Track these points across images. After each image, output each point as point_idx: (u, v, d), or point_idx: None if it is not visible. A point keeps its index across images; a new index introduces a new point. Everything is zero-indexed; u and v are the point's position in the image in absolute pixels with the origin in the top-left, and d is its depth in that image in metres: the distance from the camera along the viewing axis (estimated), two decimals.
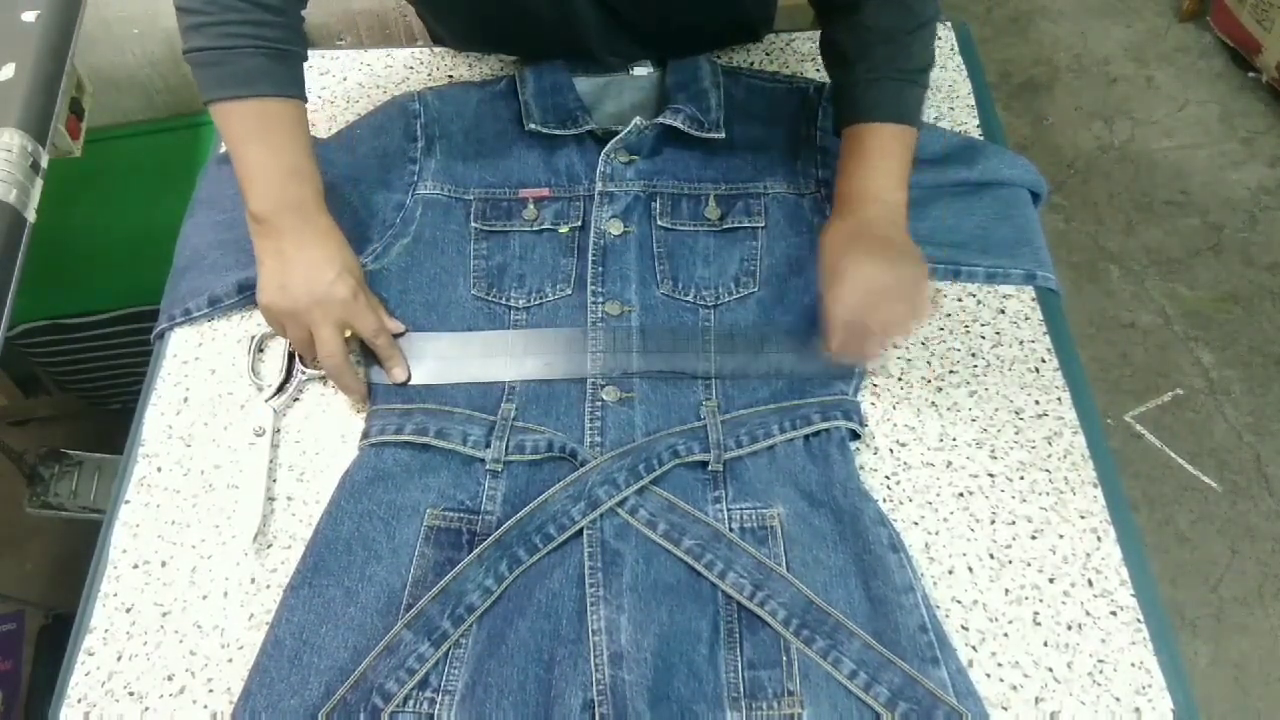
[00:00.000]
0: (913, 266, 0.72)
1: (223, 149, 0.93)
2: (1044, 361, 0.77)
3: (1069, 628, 0.65)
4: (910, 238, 0.74)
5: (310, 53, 1.01)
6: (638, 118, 0.83)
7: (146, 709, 0.63)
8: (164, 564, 0.69)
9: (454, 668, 0.62)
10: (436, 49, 1.01)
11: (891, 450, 0.73)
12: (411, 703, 0.61)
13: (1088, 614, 0.65)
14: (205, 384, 0.78)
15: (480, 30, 0.96)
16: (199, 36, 0.69)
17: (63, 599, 1.40)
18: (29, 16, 0.94)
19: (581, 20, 0.84)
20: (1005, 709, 0.62)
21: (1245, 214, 1.91)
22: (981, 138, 0.91)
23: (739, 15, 0.93)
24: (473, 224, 0.83)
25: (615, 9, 0.84)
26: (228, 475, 0.73)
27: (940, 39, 1.00)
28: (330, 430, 0.75)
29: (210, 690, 0.64)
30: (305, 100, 0.74)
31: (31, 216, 0.84)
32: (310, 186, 0.73)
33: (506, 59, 0.98)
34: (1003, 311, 0.80)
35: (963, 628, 0.65)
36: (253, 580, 0.68)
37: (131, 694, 0.64)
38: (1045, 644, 0.64)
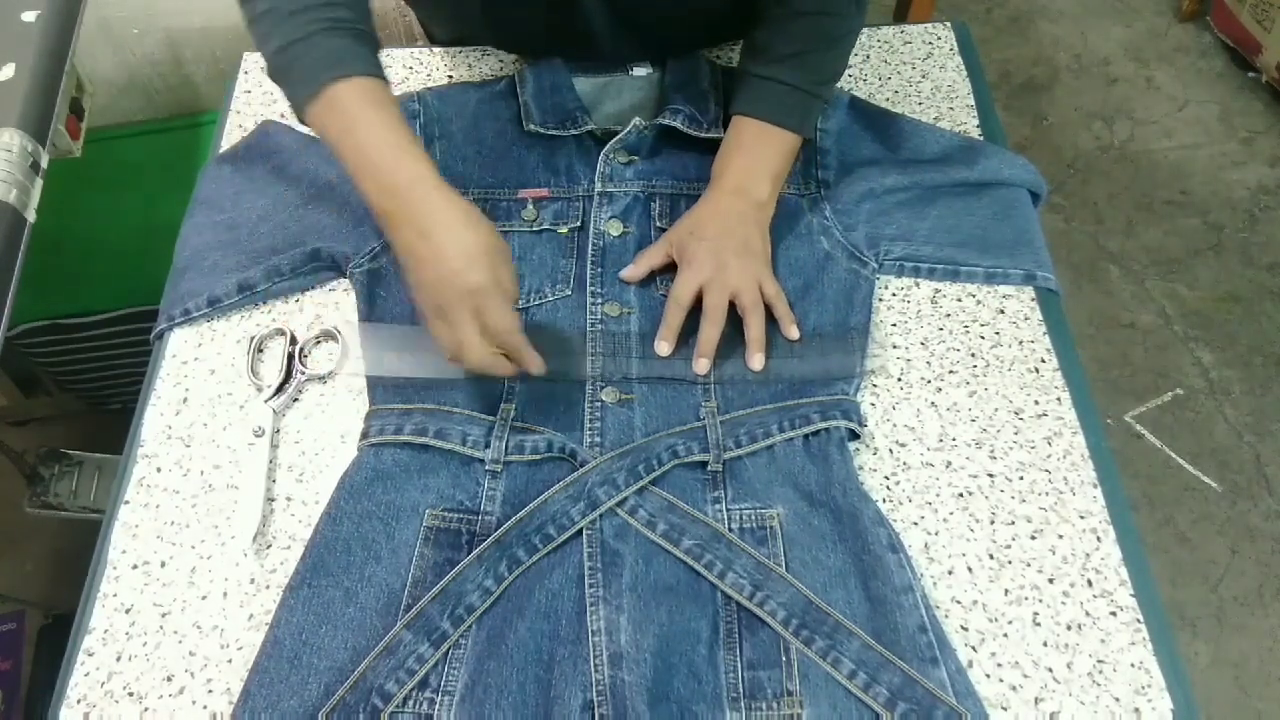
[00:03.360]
0: (751, 265, 0.74)
1: (223, 149, 0.93)
2: (1044, 361, 0.77)
3: (1069, 628, 0.65)
4: (766, 233, 0.77)
5: None
6: (637, 118, 0.83)
7: (146, 709, 0.63)
8: (163, 564, 0.69)
9: (453, 668, 0.62)
10: (436, 49, 1.01)
11: (891, 450, 0.73)
12: (411, 703, 0.61)
13: (1087, 614, 0.65)
14: (204, 384, 0.78)
15: (482, 28, 0.96)
16: (275, 37, 0.66)
17: (63, 599, 1.40)
18: (29, 16, 0.94)
19: (587, 18, 0.84)
20: (1005, 709, 0.62)
21: (1245, 214, 1.91)
22: (981, 138, 0.91)
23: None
24: None
25: (622, 4, 0.84)
26: (227, 475, 0.73)
27: (940, 39, 1.00)
28: (330, 430, 0.75)
29: (210, 691, 0.64)
30: (389, 82, 0.69)
31: (31, 216, 0.84)
32: (422, 164, 0.65)
33: (506, 59, 0.98)
34: (1002, 311, 0.80)
35: (962, 628, 0.65)
36: (252, 581, 0.68)
37: (131, 694, 0.64)
38: (1045, 644, 0.64)
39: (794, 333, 0.76)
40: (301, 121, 0.68)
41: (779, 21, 0.77)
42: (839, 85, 0.91)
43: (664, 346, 0.75)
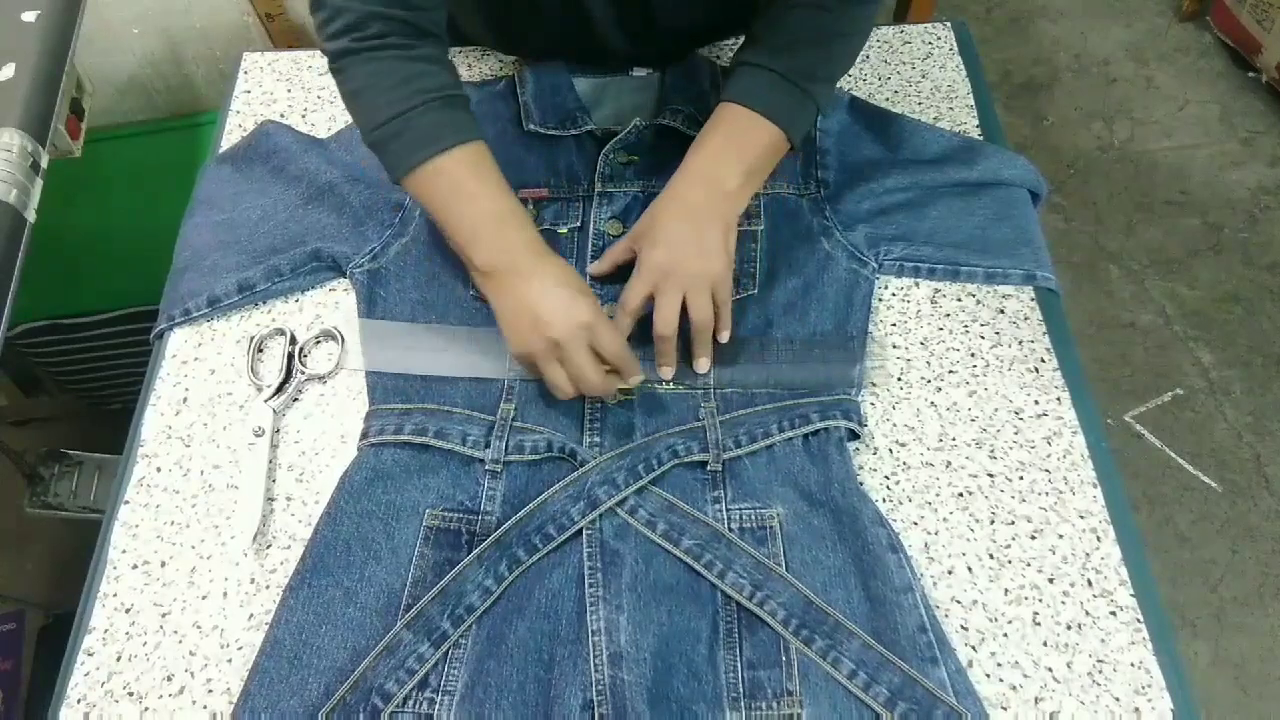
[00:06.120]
0: (705, 268, 0.72)
1: (223, 149, 0.93)
2: (1043, 361, 0.77)
3: (1069, 628, 0.65)
4: (729, 226, 0.73)
5: (311, 53, 1.02)
6: (637, 118, 0.83)
7: (146, 709, 0.63)
8: (163, 564, 0.69)
9: (454, 668, 0.62)
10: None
11: (891, 450, 0.73)
12: (411, 703, 0.61)
13: (1087, 614, 0.65)
14: (204, 384, 0.78)
15: (485, 31, 0.96)
16: (378, 108, 0.69)
17: (63, 599, 1.40)
18: (29, 16, 0.94)
19: (595, 17, 0.84)
20: (1005, 709, 0.62)
21: (1245, 214, 1.91)
22: (981, 138, 0.91)
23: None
24: None
25: (635, 18, 0.84)
26: (227, 475, 0.73)
27: (940, 39, 1.00)
28: (330, 430, 0.75)
29: (210, 690, 0.64)
30: (483, 140, 0.71)
31: (31, 216, 0.84)
32: (525, 228, 0.70)
33: (506, 59, 0.98)
34: (1002, 311, 0.80)
35: (962, 628, 0.65)
36: (252, 580, 0.68)
37: (131, 694, 0.64)
38: (1045, 644, 0.64)
39: (724, 336, 0.74)
40: (395, 184, 0.71)
41: (774, 13, 0.75)
42: (839, 86, 0.91)
43: None
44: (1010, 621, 0.65)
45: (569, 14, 0.83)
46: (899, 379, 0.76)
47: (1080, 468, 0.71)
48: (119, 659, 0.65)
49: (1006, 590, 0.66)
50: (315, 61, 1.00)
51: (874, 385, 0.76)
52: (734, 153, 0.74)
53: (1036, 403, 0.75)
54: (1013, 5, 2.29)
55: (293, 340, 0.79)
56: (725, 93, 0.76)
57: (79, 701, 0.64)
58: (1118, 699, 0.62)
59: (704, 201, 0.73)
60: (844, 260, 0.80)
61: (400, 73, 0.69)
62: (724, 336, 0.74)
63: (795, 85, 0.73)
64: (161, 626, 0.66)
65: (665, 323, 0.71)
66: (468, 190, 0.69)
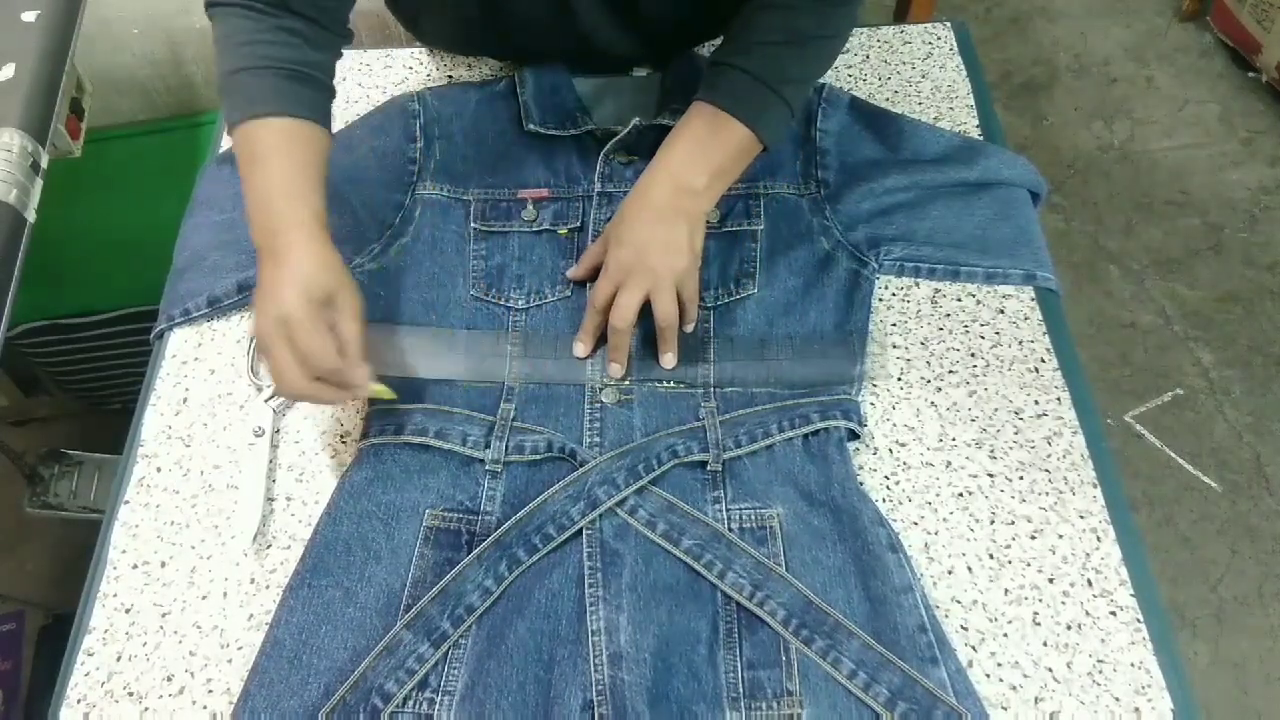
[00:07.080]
0: (669, 266, 0.72)
1: (223, 149, 0.93)
2: (1043, 361, 0.77)
3: (1069, 628, 0.65)
4: (696, 225, 0.73)
5: None
6: (637, 118, 0.83)
7: (146, 709, 0.63)
8: (163, 564, 0.69)
9: (453, 668, 0.62)
10: (436, 49, 1.01)
11: (891, 450, 0.73)
12: (411, 703, 0.61)
13: (1087, 614, 0.65)
14: (204, 384, 0.78)
15: (473, 33, 0.96)
16: (225, 60, 0.69)
17: (63, 599, 1.40)
18: (29, 16, 0.94)
19: (586, 21, 0.84)
20: (1005, 709, 0.62)
21: (1245, 214, 1.91)
22: (981, 138, 0.91)
23: None
24: (472, 224, 0.83)
25: (623, 6, 0.84)
26: (227, 476, 0.73)
27: (940, 39, 1.00)
28: (330, 430, 0.75)
29: (210, 691, 0.64)
30: (323, 126, 0.70)
31: (31, 216, 0.84)
32: (304, 208, 0.67)
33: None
34: (1002, 311, 0.80)
35: (962, 628, 0.65)
36: (252, 580, 0.68)
37: (131, 694, 0.64)
38: (1045, 644, 0.64)
39: (688, 326, 0.75)
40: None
41: (748, 14, 0.75)
42: (839, 86, 0.91)
43: (579, 348, 0.76)
44: (1010, 621, 0.65)
45: (561, 13, 0.83)
46: (899, 379, 0.76)
47: (1080, 468, 0.71)
48: (119, 659, 0.65)
49: (1006, 590, 0.66)
50: None
51: (874, 384, 0.76)
52: (702, 152, 0.74)
53: (1036, 403, 0.75)
54: (1013, 5, 2.29)
55: None
56: (698, 92, 0.75)
57: (79, 701, 0.64)
58: (1118, 699, 0.62)
59: (670, 199, 0.73)
60: (844, 260, 0.80)
61: (260, 34, 0.69)
62: (689, 327, 0.75)
63: (766, 86, 0.73)
64: (161, 626, 0.66)
65: (620, 317, 0.72)
66: (268, 161, 0.67)
